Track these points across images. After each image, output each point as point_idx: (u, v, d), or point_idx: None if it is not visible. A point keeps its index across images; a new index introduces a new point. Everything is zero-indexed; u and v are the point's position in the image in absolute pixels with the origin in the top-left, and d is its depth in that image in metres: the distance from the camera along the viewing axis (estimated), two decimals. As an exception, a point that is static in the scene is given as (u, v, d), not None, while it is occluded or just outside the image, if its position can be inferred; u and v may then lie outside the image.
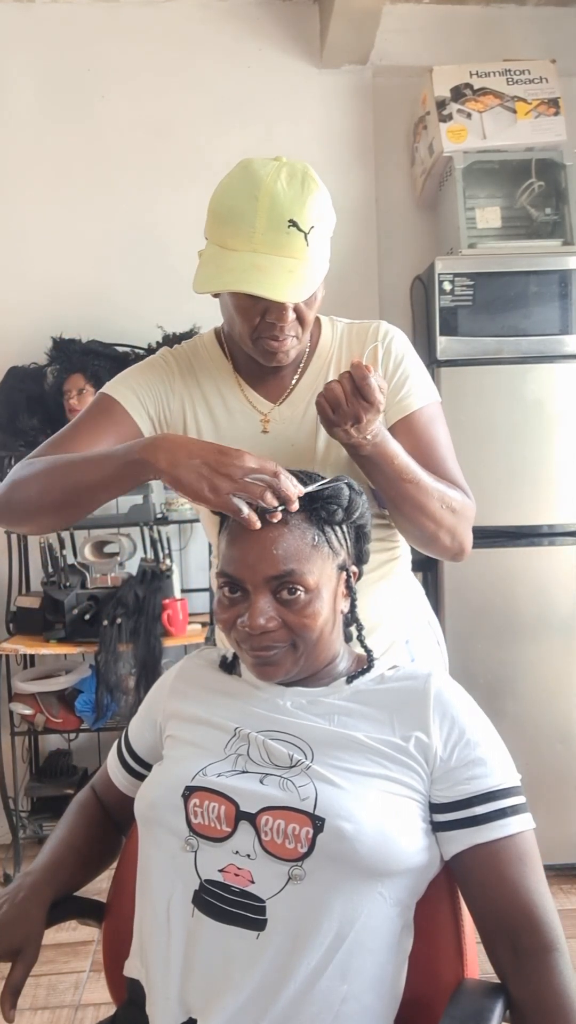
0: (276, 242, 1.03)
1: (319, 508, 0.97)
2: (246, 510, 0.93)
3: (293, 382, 1.22)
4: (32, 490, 1.09)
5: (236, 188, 1.08)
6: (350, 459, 1.15)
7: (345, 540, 1.00)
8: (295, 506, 0.94)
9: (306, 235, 1.04)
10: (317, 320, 1.25)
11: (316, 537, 0.96)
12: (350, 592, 1.02)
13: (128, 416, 1.19)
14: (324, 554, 0.97)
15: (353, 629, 1.05)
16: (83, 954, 2.12)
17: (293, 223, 1.03)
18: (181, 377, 1.23)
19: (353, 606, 1.03)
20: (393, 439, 1.12)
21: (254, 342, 1.13)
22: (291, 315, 1.09)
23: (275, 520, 0.94)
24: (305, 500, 0.96)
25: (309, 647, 0.96)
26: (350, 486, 0.99)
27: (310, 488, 0.97)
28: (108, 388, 1.23)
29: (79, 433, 1.18)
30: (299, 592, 0.93)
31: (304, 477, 1.00)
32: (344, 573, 1.01)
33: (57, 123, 2.76)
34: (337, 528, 0.99)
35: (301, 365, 1.23)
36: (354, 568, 1.03)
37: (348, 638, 1.05)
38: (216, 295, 1.16)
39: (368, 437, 1.06)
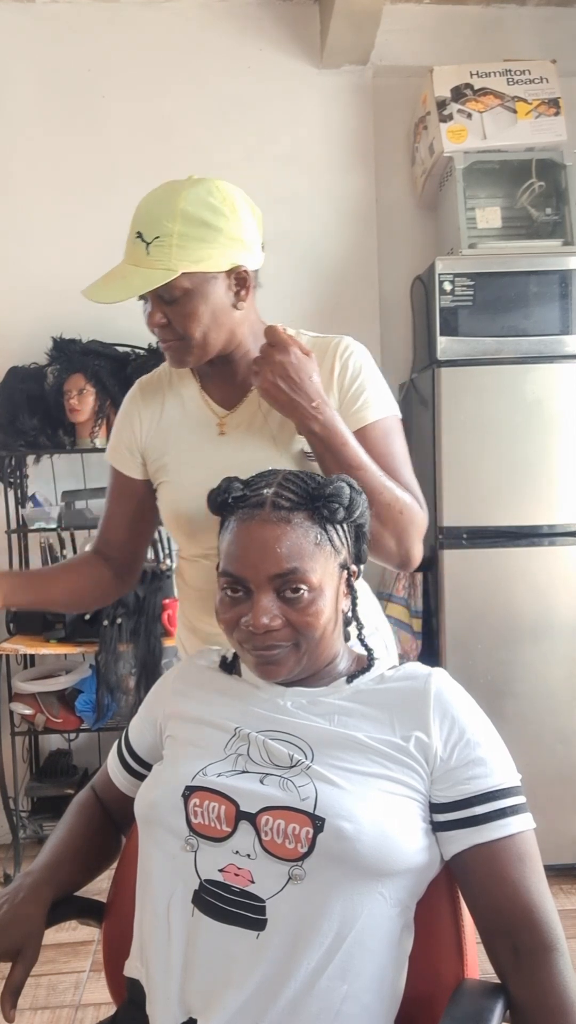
0: (130, 251, 1.15)
1: (321, 507, 0.97)
2: None
3: (251, 387, 1.25)
4: None
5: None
6: (299, 464, 1.19)
7: (346, 539, 1.00)
8: None
9: (148, 244, 1.12)
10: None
11: (319, 536, 0.96)
12: (351, 591, 1.02)
13: (128, 478, 1.34)
14: (327, 552, 0.97)
15: (352, 628, 1.05)
16: (83, 954, 2.12)
17: (139, 234, 1.13)
18: (146, 402, 1.32)
19: (354, 605, 1.03)
20: (344, 426, 1.15)
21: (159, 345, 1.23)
22: (159, 318, 1.17)
23: None
24: (307, 499, 0.97)
25: (312, 646, 0.96)
26: (350, 485, 1.00)
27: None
28: (107, 455, 1.38)
29: (113, 513, 1.38)
30: (302, 590, 0.94)
31: (306, 478, 1.00)
32: (345, 572, 1.01)
33: (57, 123, 2.76)
34: (338, 527, 0.99)
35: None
36: (354, 567, 1.03)
37: (347, 637, 1.05)
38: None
39: (318, 416, 1.12)
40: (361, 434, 1.22)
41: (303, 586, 0.93)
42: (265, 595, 0.93)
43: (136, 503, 1.35)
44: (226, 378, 1.27)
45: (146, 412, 1.31)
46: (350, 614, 1.04)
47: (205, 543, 1.23)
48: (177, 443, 1.28)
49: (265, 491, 0.97)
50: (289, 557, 0.93)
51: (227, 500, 0.99)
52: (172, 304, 1.16)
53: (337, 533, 0.98)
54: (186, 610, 1.37)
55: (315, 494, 0.97)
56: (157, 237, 1.12)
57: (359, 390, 1.25)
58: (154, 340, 2.68)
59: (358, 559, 1.04)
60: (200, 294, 1.16)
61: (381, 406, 1.26)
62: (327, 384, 1.21)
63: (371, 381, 1.26)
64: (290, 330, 1.26)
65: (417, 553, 1.22)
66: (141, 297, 1.18)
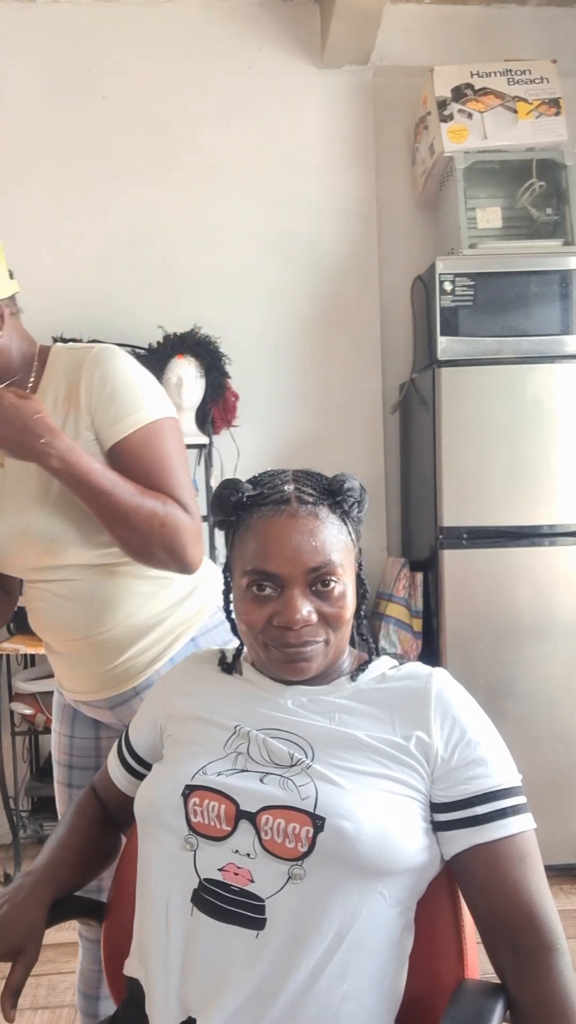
0: None
1: (341, 501, 0.97)
2: None
3: None
4: None
5: None
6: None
7: (356, 533, 1.01)
8: None
9: None
10: (43, 354, 1.29)
11: (340, 529, 0.97)
12: (362, 584, 1.02)
13: None
14: (348, 545, 0.98)
15: (354, 629, 1.05)
16: (83, 954, 2.12)
17: None
18: None
19: (362, 600, 1.03)
20: (86, 454, 1.15)
21: None
22: None
23: None
24: (326, 493, 0.97)
25: (339, 638, 0.96)
26: (356, 481, 1.00)
27: None
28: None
29: None
30: (333, 583, 0.94)
31: (314, 474, 1.01)
32: (358, 565, 1.01)
33: (58, 123, 2.76)
34: (352, 521, 1.00)
35: (30, 389, 1.26)
36: (361, 561, 1.03)
37: (353, 643, 1.05)
38: None
39: (51, 451, 1.11)
40: (119, 449, 1.20)
41: (334, 579, 0.94)
42: (300, 589, 0.93)
43: None
44: None
45: None
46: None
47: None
48: None
49: (285, 487, 0.97)
50: (322, 550, 0.93)
51: (241, 499, 0.98)
52: None
53: (352, 526, 0.99)
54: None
55: (332, 488, 0.98)
56: None
57: (109, 402, 1.20)
58: (154, 340, 2.70)
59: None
60: None
61: (136, 415, 1.20)
62: (83, 403, 1.20)
63: (122, 390, 1.20)
64: (54, 348, 1.29)
65: (193, 557, 1.22)
66: None
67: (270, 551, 0.94)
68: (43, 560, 1.24)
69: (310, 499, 0.96)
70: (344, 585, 0.95)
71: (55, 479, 1.16)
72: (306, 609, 0.93)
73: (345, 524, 0.98)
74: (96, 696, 1.34)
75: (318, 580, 0.94)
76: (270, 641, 0.95)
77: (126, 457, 1.20)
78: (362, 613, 1.04)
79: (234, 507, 0.99)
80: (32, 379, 1.27)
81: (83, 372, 1.21)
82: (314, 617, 0.93)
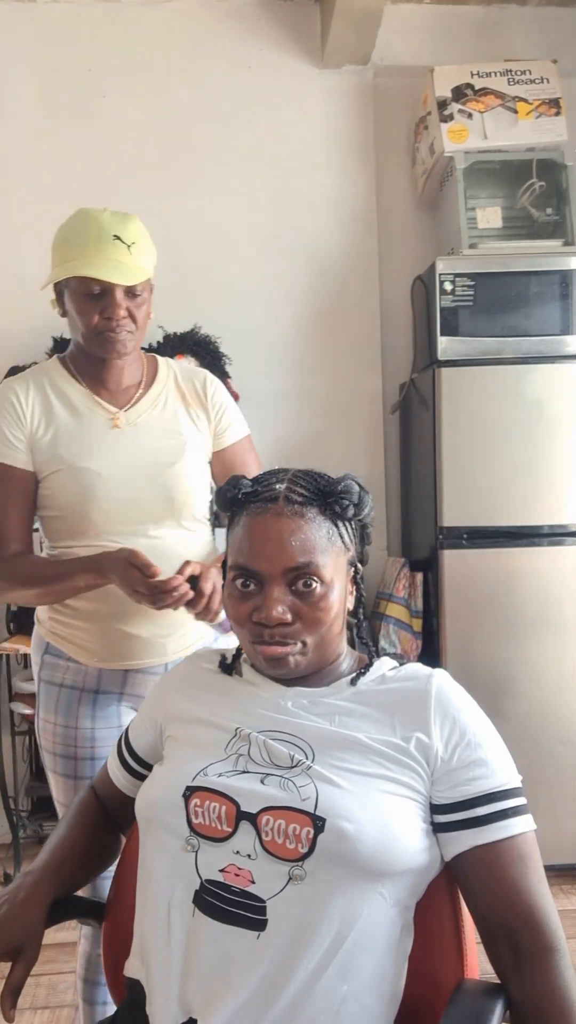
0: (104, 250, 1.32)
1: (333, 503, 0.97)
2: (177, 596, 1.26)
3: (138, 394, 1.45)
4: (19, 596, 1.52)
5: (70, 223, 1.38)
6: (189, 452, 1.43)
7: (353, 537, 1.01)
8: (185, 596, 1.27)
9: (128, 246, 1.33)
10: (154, 358, 1.53)
11: (330, 531, 0.97)
12: (357, 588, 1.02)
13: (16, 469, 1.40)
14: (338, 548, 0.97)
15: (353, 630, 1.05)
16: (83, 954, 2.11)
17: (117, 237, 1.33)
18: (29, 401, 1.41)
19: (358, 603, 1.03)
20: None
21: (95, 336, 1.37)
22: (123, 311, 1.34)
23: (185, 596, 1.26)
24: (319, 495, 0.97)
25: (319, 641, 0.96)
26: (358, 483, 1.00)
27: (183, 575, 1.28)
28: None
29: (16, 509, 1.42)
30: (315, 584, 0.94)
31: (316, 475, 1.01)
32: (353, 569, 1.01)
33: (57, 123, 2.76)
34: (348, 524, 0.99)
35: (143, 385, 1.47)
36: (359, 565, 1.03)
37: (352, 644, 1.05)
38: (63, 314, 1.42)
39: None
40: (230, 450, 1.54)
41: (315, 580, 0.94)
42: (278, 588, 0.94)
43: (31, 496, 1.42)
44: (114, 377, 1.43)
45: (31, 410, 1.40)
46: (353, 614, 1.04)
47: (102, 527, 1.38)
48: (75, 437, 1.40)
49: (277, 486, 0.98)
50: (303, 551, 0.94)
51: (237, 496, 1.00)
52: (134, 299, 1.36)
53: (347, 530, 0.99)
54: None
55: (327, 490, 0.98)
56: (134, 243, 1.34)
57: (222, 414, 1.54)
58: (154, 340, 2.70)
59: (360, 560, 1.05)
60: (151, 294, 1.42)
61: (239, 427, 1.57)
62: (208, 408, 1.50)
63: (230, 407, 1.55)
64: (160, 359, 1.53)
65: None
66: (91, 295, 1.33)
67: (252, 548, 0.95)
68: (162, 517, 1.41)
69: (299, 499, 0.96)
70: (327, 588, 0.95)
71: (177, 446, 1.42)
72: (280, 608, 0.93)
73: (337, 527, 0.98)
74: (164, 659, 1.43)
75: (298, 580, 0.94)
76: (252, 636, 0.97)
77: (230, 456, 1.51)
78: (360, 616, 1.04)
79: (230, 503, 1.01)
80: (143, 372, 1.48)
81: (207, 383, 1.50)
82: (288, 616, 0.94)
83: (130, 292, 1.35)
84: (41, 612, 1.52)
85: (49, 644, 1.48)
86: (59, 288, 1.39)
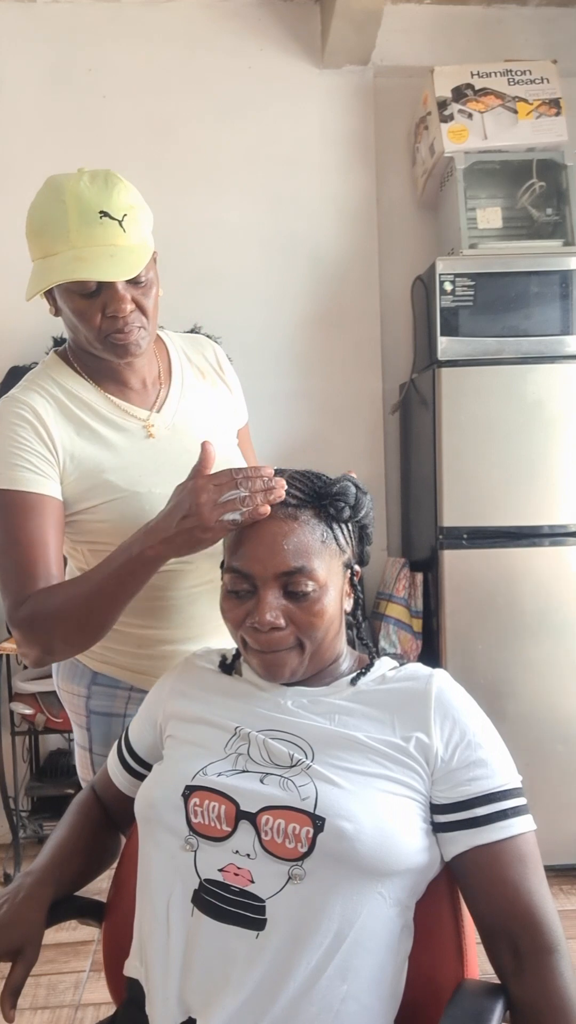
0: (91, 234, 1.08)
1: (328, 505, 0.97)
2: (239, 516, 0.95)
3: (162, 390, 1.26)
4: (68, 632, 1.10)
5: (43, 200, 1.13)
6: (232, 461, 1.19)
7: (350, 538, 1.01)
8: (282, 486, 0.96)
9: (119, 222, 1.09)
10: (158, 338, 1.30)
11: (325, 534, 0.96)
12: (354, 591, 1.02)
13: (45, 498, 1.15)
14: (332, 551, 0.97)
15: (353, 630, 1.05)
16: (83, 954, 2.12)
17: (104, 213, 1.08)
18: (48, 420, 1.17)
19: (356, 605, 1.03)
20: None
21: (103, 342, 1.15)
22: (129, 306, 1.12)
23: (277, 498, 0.95)
24: (314, 496, 0.97)
25: (315, 645, 0.96)
26: (356, 485, 1.00)
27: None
28: (5, 483, 1.14)
29: (34, 546, 1.12)
30: (308, 588, 0.94)
31: (312, 476, 1.00)
32: (349, 571, 1.01)
33: (58, 123, 2.76)
34: (344, 526, 0.99)
35: (163, 376, 1.27)
36: (357, 568, 1.03)
37: (352, 643, 1.05)
38: (56, 313, 1.19)
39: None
40: (243, 431, 1.42)
41: (309, 583, 0.94)
42: (271, 592, 0.94)
43: (60, 524, 1.17)
44: (135, 375, 1.23)
45: (56, 427, 1.17)
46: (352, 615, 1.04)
47: None
48: (120, 456, 1.19)
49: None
50: (296, 554, 0.93)
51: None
52: (139, 286, 1.14)
53: (342, 532, 0.99)
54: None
55: (322, 492, 0.97)
56: (126, 215, 1.10)
57: (238, 391, 1.41)
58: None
59: (360, 560, 1.05)
60: (156, 274, 1.17)
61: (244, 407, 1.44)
62: (230, 383, 1.36)
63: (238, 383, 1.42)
64: (159, 332, 1.30)
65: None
66: (87, 294, 1.11)
67: (246, 550, 0.95)
68: None
69: (293, 502, 0.96)
70: (321, 592, 0.95)
71: (218, 437, 1.15)
72: (273, 613, 0.93)
73: (332, 529, 0.98)
74: None
75: (292, 584, 0.94)
76: (247, 640, 0.97)
77: (242, 436, 1.36)
78: (360, 618, 1.04)
79: None
80: (158, 359, 1.28)
81: (218, 355, 1.34)
82: (281, 621, 0.93)
83: (133, 280, 1.11)
84: None
85: (97, 675, 1.31)
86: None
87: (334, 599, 0.97)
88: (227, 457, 1.20)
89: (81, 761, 1.39)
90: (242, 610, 0.96)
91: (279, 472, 1.01)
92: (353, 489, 0.99)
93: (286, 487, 0.96)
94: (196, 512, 0.97)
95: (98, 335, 1.14)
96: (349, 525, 1.00)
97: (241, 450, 1.34)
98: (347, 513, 0.98)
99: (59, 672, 1.38)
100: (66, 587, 1.10)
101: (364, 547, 1.05)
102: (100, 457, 1.18)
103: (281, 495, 0.96)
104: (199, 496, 0.97)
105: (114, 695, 1.32)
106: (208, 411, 1.29)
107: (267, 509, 0.95)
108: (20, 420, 1.16)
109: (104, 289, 1.11)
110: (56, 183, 1.12)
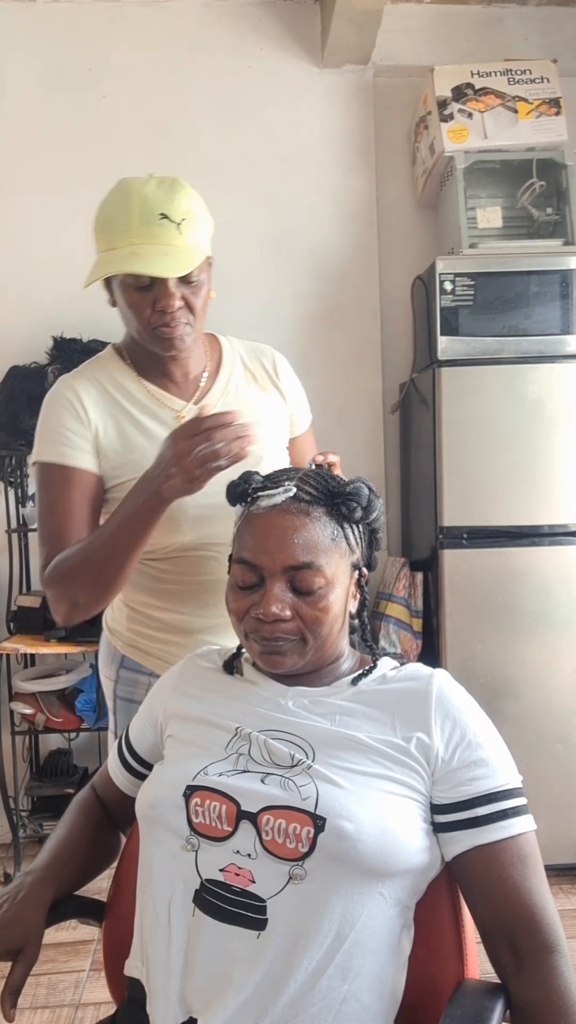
0: (151, 233, 1.17)
1: (340, 504, 0.98)
2: (224, 462, 1.05)
3: (203, 384, 1.34)
4: (87, 583, 1.19)
5: (112, 199, 1.22)
6: (262, 458, 1.26)
7: (360, 540, 1.01)
8: (252, 428, 1.06)
9: (178, 225, 1.17)
10: (216, 337, 1.40)
11: (335, 532, 0.97)
12: (361, 593, 1.03)
13: (85, 472, 1.25)
14: (342, 550, 0.98)
15: (357, 633, 1.05)
16: (83, 953, 2.12)
17: (164, 215, 1.17)
18: (91, 398, 1.28)
19: (362, 607, 1.04)
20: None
21: (151, 333, 1.24)
22: (178, 303, 1.20)
23: (252, 440, 1.06)
24: (327, 495, 0.98)
25: (318, 641, 0.96)
26: (368, 487, 1.00)
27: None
28: (46, 456, 1.27)
29: (68, 515, 1.24)
30: (315, 583, 0.94)
31: (326, 476, 1.01)
32: (356, 572, 1.01)
33: (58, 122, 2.76)
34: (354, 527, 1.00)
35: (208, 373, 1.35)
36: (365, 571, 1.03)
37: (354, 644, 1.05)
38: (114, 304, 1.28)
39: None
40: (302, 438, 1.48)
41: (316, 579, 0.94)
42: (277, 584, 0.94)
43: (96, 500, 1.27)
44: (179, 368, 1.31)
45: (95, 408, 1.28)
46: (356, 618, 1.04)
47: (190, 534, 1.26)
48: (150, 440, 1.26)
49: (286, 483, 0.98)
50: (305, 549, 0.94)
51: (247, 490, 1.00)
52: (190, 285, 1.22)
53: (353, 532, 1.00)
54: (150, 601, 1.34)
55: (335, 491, 0.98)
56: (184, 219, 1.18)
57: (300, 398, 1.49)
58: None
59: (368, 564, 1.05)
60: (210, 273, 1.26)
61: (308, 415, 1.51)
62: (284, 391, 1.42)
63: (303, 393, 1.50)
64: (221, 337, 1.41)
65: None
66: (141, 287, 1.20)
67: (255, 543, 0.96)
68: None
69: (306, 498, 0.97)
70: (328, 588, 0.95)
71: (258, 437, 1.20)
72: (278, 605, 0.93)
73: (343, 528, 0.98)
74: None
75: (298, 579, 0.94)
76: (250, 631, 0.97)
77: (302, 445, 1.43)
78: (364, 619, 1.05)
79: (240, 497, 1.02)
80: (207, 357, 1.36)
81: (276, 362, 1.41)
82: (287, 613, 0.94)
83: (184, 279, 1.20)
84: (115, 620, 1.40)
85: (125, 657, 1.37)
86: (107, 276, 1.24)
87: (340, 597, 0.97)
88: (272, 458, 1.31)
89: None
90: (247, 601, 0.96)
91: (293, 470, 1.03)
92: (366, 491, 1.00)
93: (300, 483, 0.98)
94: (178, 466, 1.08)
95: (147, 327, 1.23)
96: (360, 527, 1.01)
97: (300, 454, 1.42)
98: (359, 514, 0.98)
99: (100, 656, 1.45)
100: (83, 543, 1.20)
101: (373, 551, 1.06)
102: (132, 439, 1.27)
103: (254, 438, 1.07)
104: (176, 449, 1.08)
105: (136, 681, 1.37)
106: (252, 412, 1.28)
107: (247, 452, 1.06)
108: (64, 400, 1.28)
109: (156, 284, 1.19)
110: (126, 184, 1.22)
